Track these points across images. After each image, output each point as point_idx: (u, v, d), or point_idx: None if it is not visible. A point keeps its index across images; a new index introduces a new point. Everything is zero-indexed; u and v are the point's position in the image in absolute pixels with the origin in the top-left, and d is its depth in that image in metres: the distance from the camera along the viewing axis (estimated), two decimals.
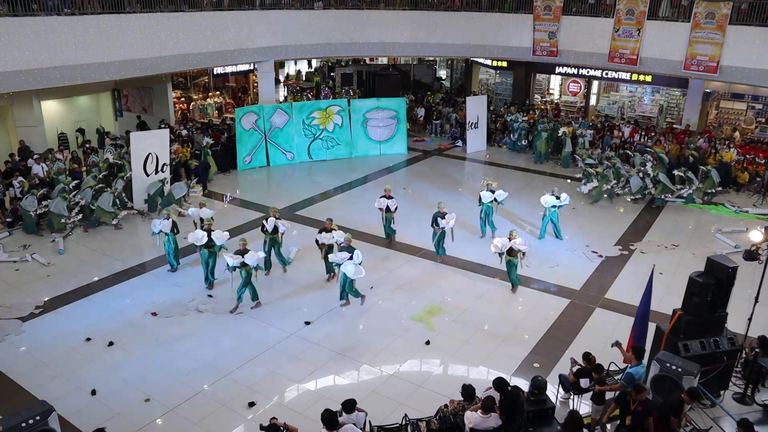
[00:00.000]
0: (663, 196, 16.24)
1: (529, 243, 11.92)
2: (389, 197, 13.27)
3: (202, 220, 12.41)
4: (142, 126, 20.15)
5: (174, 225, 12.01)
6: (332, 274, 11.93)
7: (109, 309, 10.85)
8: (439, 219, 12.46)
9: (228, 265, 10.60)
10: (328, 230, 11.72)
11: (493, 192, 13.64)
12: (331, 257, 11.04)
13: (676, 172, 16.37)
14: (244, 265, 10.55)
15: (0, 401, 8.38)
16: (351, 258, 10.66)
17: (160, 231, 11.99)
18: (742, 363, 8.93)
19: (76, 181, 14.63)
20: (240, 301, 10.85)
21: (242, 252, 10.59)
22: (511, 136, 21.94)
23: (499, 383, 7.19)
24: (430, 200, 16.26)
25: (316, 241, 11.74)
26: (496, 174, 18.19)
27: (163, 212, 12.79)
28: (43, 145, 17.45)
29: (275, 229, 11.96)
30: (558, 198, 13.61)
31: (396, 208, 13.35)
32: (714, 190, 16.56)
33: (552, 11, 20.59)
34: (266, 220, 12.05)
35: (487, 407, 6.76)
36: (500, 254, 11.46)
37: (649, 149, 18.56)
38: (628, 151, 19.11)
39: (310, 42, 21.21)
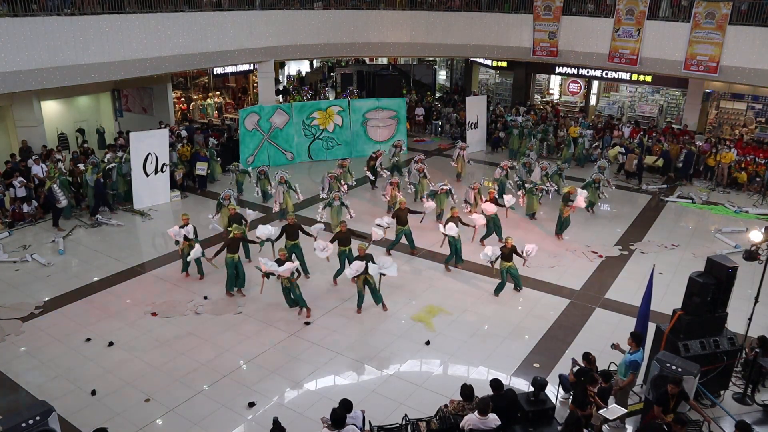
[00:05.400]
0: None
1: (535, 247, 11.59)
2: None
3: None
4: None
5: (194, 231, 11.80)
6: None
7: (109, 309, 10.86)
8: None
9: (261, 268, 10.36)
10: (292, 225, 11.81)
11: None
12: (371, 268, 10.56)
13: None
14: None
15: (0, 401, 8.38)
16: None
17: (184, 237, 11.71)
18: (742, 363, 8.93)
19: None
20: (304, 305, 10.67)
21: (280, 262, 10.25)
22: None
23: (495, 384, 7.21)
24: None
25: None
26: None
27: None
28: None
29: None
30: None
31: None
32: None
33: (552, 11, 20.59)
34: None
35: (483, 409, 6.75)
36: (491, 262, 11.35)
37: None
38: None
39: (310, 42, 21.20)
